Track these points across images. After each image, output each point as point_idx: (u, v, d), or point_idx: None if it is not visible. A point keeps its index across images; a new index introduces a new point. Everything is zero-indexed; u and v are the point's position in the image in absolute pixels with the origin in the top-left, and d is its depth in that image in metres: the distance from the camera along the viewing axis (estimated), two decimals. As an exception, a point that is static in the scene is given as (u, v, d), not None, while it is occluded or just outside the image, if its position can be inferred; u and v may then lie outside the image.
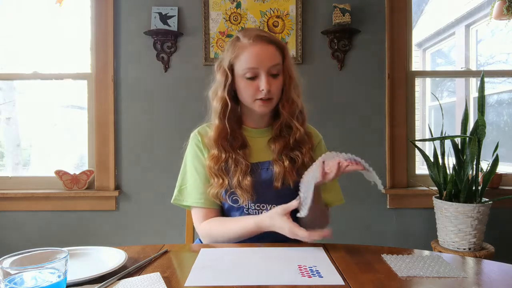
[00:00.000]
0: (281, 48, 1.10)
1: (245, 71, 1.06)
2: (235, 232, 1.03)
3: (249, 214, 1.10)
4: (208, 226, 1.09)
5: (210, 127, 1.15)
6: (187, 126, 2.15)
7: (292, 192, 1.08)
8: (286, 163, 1.09)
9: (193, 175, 1.13)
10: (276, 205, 1.09)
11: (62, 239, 2.13)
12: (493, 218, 1.89)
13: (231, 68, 1.10)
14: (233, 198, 1.09)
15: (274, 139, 1.14)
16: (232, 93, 1.12)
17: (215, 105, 1.12)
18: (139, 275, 0.76)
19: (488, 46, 3.49)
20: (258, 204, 1.10)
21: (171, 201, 1.16)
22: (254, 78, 1.06)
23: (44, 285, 0.59)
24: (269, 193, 1.09)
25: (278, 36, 2.08)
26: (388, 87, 2.17)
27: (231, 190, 1.08)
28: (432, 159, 1.93)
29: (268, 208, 1.10)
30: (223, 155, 1.09)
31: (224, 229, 1.05)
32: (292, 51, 2.14)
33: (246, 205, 1.09)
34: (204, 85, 2.37)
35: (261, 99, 1.07)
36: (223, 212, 1.15)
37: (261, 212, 1.10)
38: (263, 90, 1.05)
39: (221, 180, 1.07)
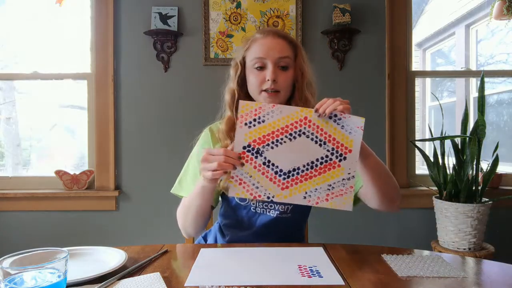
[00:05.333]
0: (294, 44, 1.10)
1: (254, 61, 1.07)
2: (192, 198, 1.03)
3: (256, 212, 1.10)
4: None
5: (222, 123, 1.15)
6: (187, 126, 2.17)
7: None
8: None
9: (194, 168, 1.13)
10: (284, 205, 1.09)
11: (62, 239, 2.13)
12: (493, 218, 1.89)
13: (243, 61, 1.11)
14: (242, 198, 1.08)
15: None
16: (245, 89, 1.12)
17: (226, 97, 1.13)
18: (139, 275, 0.76)
19: (488, 46, 3.49)
20: (266, 204, 1.10)
21: (171, 190, 1.17)
22: (262, 68, 1.06)
23: (44, 285, 0.59)
24: None
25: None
26: (388, 87, 2.17)
27: None
28: (432, 159, 1.93)
29: (276, 207, 1.10)
30: None
31: (187, 199, 1.06)
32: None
33: (253, 203, 1.09)
34: (204, 85, 2.38)
35: (266, 90, 1.05)
36: (229, 210, 1.14)
37: (269, 211, 1.10)
38: (268, 80, 1.04)
39: None
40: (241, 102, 0.88)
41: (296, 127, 0.86)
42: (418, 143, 2.33)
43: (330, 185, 0.87)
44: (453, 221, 1.80)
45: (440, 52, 4.24)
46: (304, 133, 0.87)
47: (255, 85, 1.07)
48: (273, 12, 2.14)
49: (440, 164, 1.90)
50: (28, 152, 2.76)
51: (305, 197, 0.87)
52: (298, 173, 0.87)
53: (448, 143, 1.93)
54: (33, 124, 2.64)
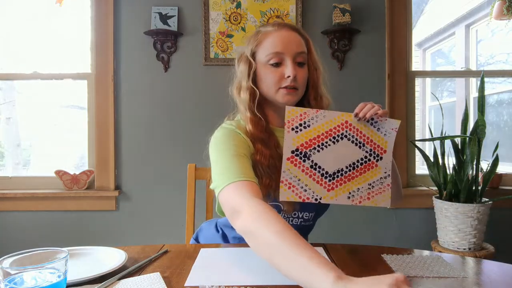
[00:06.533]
0: (306, 39, 1.04)
1: (270, 56, 0.98)
2: (288, 270, 0.66)
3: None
4: (266, 219, 0.72)
5: (248, 125, 1.00)
6: (187, 126, 2.17)
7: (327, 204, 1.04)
8: None
9: (233, 156, 0.92)
10: (315, 214, 1.06)
11: (62, 239, 2.13)
12: (493, 218, 1.89)
13: (253, 57, 1.02)
14: (276, 205, 0.98)
15: None
16: (255, 86, 1.02)
17: (243, 96, 1.02)
18: (139, 275, 0.76)
19: (488, 46, 3.49)
20: (295, 212, 1.03)
21: (211, 186, 0.92)
22: (278, 64, 0.98)
23: (44, 285, 0.59)
24: (311, 203, 0.92)
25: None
26: (388, 87, 2.17)
27: (274, 197, 0.95)
28: (432, 159, 1.92)
29: (300, 215, 1.03)
30: (267, 152, 0.97)
31: (280, 249, 0.67)
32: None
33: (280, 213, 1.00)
34: (204, 85, 2.37)
35: (285, 87, 0.98)
36: None
37: (292, 220, 1.03)
38: (289, 76, 0.96)
39: (268, 181, 0.95)
40: (287, 107, 0.88)
41: (338, 131, 0.91)
42: (418, 143, 2.33)
43: (370, 184, 0.92)
44: (453, 221, 1.80)
45: (440, 52, 4.24)
46: (345, 136, 0.91)
47: (272, 82, 0.98)
48: (273, 12, 2.14)
49: (440, 164, 1.90)
50: (28, 152, 2.77)
51: (349, 197, 0.91)
52: (342, 174, 0.91)
53: (448, 143, 1.93)
54: (33, 124, 2.64)
